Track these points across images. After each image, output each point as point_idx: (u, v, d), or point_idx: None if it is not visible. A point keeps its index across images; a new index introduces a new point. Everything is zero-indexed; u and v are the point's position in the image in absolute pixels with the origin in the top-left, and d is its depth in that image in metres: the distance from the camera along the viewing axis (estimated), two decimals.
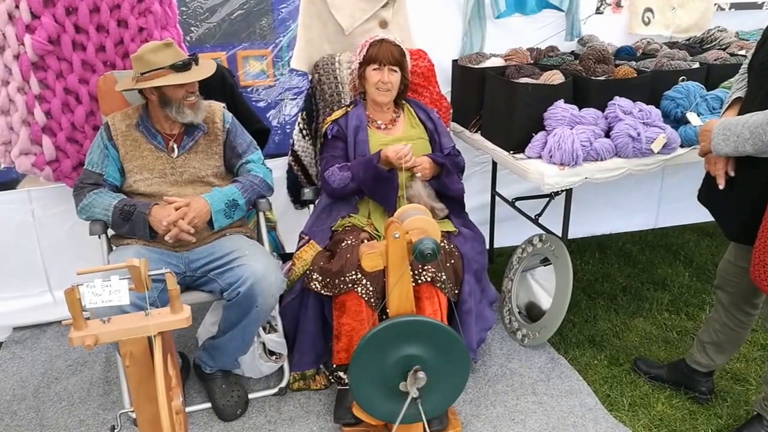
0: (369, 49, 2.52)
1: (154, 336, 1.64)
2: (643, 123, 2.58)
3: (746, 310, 2.24)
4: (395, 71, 2.52)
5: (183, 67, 2.25)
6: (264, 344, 2.56)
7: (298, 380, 2.55)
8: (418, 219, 1.91)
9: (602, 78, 2.80)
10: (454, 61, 3.21)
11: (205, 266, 2.33)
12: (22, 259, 2.99)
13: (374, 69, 2.52)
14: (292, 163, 2.89)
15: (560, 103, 2.63)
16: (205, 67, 2.33)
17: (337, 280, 2.28)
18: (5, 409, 2.52)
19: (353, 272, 2.26)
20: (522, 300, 2.96)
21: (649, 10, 3.54)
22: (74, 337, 1.60)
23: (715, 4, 3.67)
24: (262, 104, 3.15)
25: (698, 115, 2.68)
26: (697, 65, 2.96)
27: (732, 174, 1.98)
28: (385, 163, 2.40)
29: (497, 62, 3.07)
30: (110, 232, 2.41)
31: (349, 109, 2.61)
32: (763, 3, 3.78)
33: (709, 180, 2.11)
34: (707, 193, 2.17)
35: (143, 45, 2.31)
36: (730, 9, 3.74)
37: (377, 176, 2.41)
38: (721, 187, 2.00)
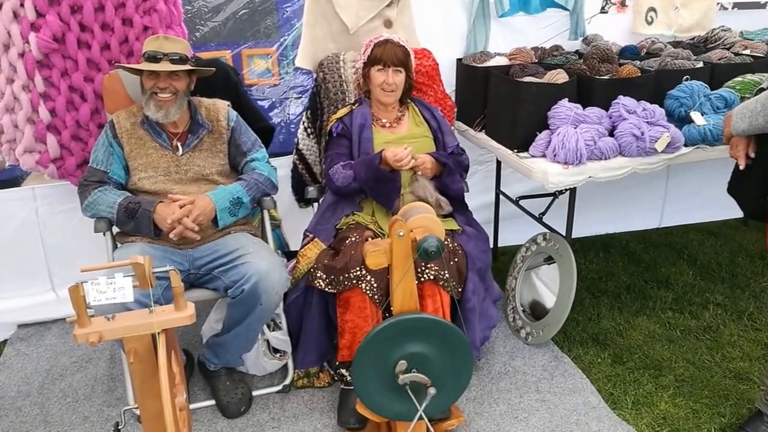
0: (373, 49, 2.52)
1: (158, 333, 1.64)
2: (647, 122, 2.58)
3: None
4: (400, 72, 2.51)
5: (154, 59, 2.25)
6: (268, 342, 2.57)
7: (302, 378, 2.56)
8: (422, 217, 1.91)
9: (606, 77, 2.80)
10: (459, 60, 3.21)
11: (209, 264, 2.33)
12: (26, 256, 3.00)
13: (378, 70, 2.51)
14: (297, 162, 2.89)
15: (564, 102, 2.63)
16: (177, 64, 2.28)
17: (341, 277, 2.28)
18: (10, 406, 2.53)
19: (357, 268, 2.27)
20: (526, 298, 2.97)
21: (653, 9, 3.54)
22: (78, 334, 1.60)
23: (718, 4, 3.67)
24: (266, 103, 3.16)
25: (702, 115, 2.67)
26: (701, 65, 2.96)
27: (752, 155, 2.07)
28: (387, 164, 2.40)
29: (501, 61, 3.08)
30: (115, 229, 2.42)
31: (354, 108, 2.61)
32: (766, 2, 3.77)
33: (736, 171, 2.18)
34: (733, 183, 2.23)
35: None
36: (732, 8, 3.74)
37: (379, 177, 2.41)
38: (741, 167, 2.08)
